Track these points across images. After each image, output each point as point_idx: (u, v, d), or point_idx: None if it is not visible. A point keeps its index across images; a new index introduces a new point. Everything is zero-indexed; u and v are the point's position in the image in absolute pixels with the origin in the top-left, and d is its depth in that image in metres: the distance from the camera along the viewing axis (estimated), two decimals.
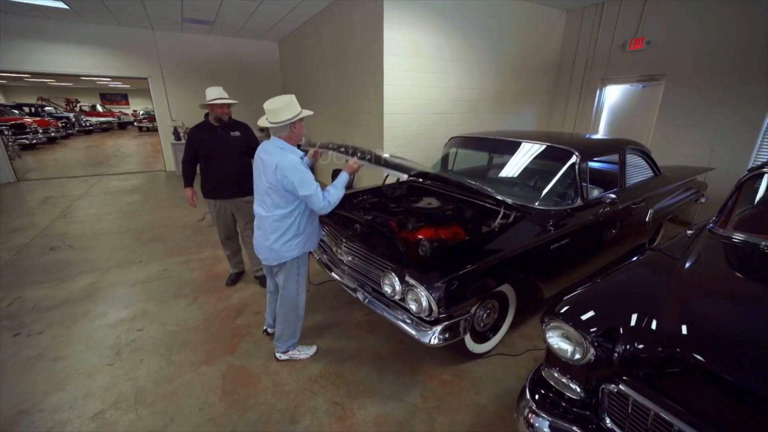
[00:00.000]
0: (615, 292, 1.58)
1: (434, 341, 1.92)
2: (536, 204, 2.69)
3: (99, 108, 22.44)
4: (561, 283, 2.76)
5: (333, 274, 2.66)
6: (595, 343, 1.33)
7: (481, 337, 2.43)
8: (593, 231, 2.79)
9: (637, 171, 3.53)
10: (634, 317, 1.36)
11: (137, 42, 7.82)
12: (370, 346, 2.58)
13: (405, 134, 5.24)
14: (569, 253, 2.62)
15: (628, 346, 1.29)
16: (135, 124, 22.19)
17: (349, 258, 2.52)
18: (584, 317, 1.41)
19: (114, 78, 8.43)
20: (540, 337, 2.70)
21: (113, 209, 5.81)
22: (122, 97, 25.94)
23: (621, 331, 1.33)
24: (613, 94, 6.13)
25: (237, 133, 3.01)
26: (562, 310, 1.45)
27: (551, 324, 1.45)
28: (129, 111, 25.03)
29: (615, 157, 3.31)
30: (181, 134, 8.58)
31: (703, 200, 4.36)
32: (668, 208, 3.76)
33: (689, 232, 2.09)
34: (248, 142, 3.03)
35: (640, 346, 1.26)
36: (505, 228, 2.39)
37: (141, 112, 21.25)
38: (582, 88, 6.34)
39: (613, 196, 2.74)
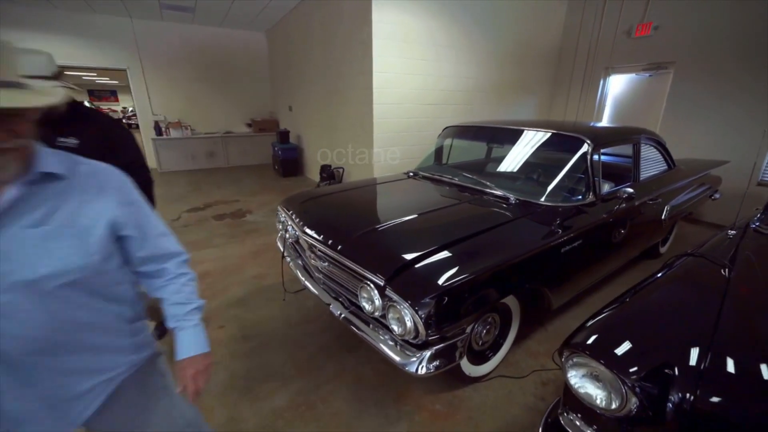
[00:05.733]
0: (655, 315, 1.21)
1: (422, 371, 1.55)
2: (543, 200, 2.33)
3: (86, 104, 21.80)
4: (571, 291, 2.40)
5: (306, 282, 2.28)
6: (638, 389, 0.96)
7: (479, 357, 2.06)
8: (607, 231, 2.42)
9: (651, 163, 3.18)
10: (694, 352, 0.99)
11: (114, 31, 7.36)
12: (350, 367, 2.20)
13: (396, 126, 4.86)
14: (581, 256, 2.26)
15: (689, 395, 0.92)
16: (124, 120, 21.63)
17: (323, 264, 2.14)
18: (620, 351, 1.04)
19: (88, 69, 7.93)
20: (548, 353, 2.35)
21: None
22: (111, 94, 25.31)
23: (676, 372, 0.96)
24: (617, 84, 5.78)
25: (72, 141, 1.63)
26: (589, 342, 1.08)
27: (574, 360, 1.08)
28: (118, 107, 24.43)
29: (625, 149, 2.96)
30: (163, 129, 8.14)
31: (717, 196, 4.02)
32: (684, 204, 3.41)
33: (731, 231, 1.73)
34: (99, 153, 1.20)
35: (710, 397, 0.90)
36: (507, 228, 2.02)
37: (130, 109, 20.68)
38: (584, 77, 5.98)
39: (630, 190, 2.37)
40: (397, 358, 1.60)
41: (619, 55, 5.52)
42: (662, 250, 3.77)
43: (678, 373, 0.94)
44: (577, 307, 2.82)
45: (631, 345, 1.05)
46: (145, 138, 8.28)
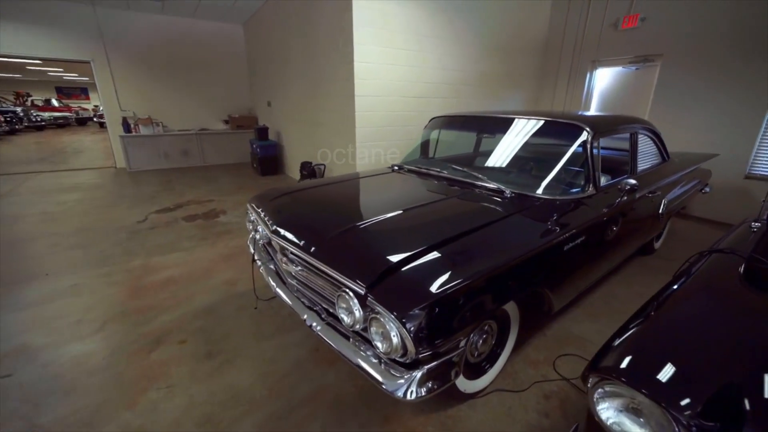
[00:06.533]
0: (696, 329, 0.99)
1: (411, 396, 1.30)
2: (540, 193, 2.12)
3: (54, 102, 20.69)
4: (572, 292, 2.21)
5: (278, 290, 2.00)
6: (695, 428, 0.73)
7: (474, 371, 1.83)
8: (609, 226, 2.23)
9: (646, 156, 3.03)
10: None
11: (75, 19, 6.84)
12: (329, 385, 1.93)
13: (379, 120, 4.60)
14: (583, 254, 2.06)
15: None
16: (95, 119, 20.62)
17: (296, 269, 1.86)
18: (663, 377, 0.81)
19: (45, 60, 7.36)
20: (548, 361, 2.13)
21: (38, 210, 4.90)
22: (81, 91, 24.15)
23: (747, 406, 0.73)
24: (604, 78, 5.68)
25: None
26: (623, 365, 0.85)
27: (606, 389, 0.85)
28: (89, 106, 23.30)
29: (621, 140, 2.78)
30: (132, 126, 7.64)
31: (707, 189, 3.93)
32: (679, 198, 3.28)
33: (756, 224, 1.54)
34: None
35: None
36: (504, 224, 1.79)
37: (102, 107, 19.71)
38: (571, 71, 5.86)
39: (633, 181, 2.19)
40: (382, 381, 1.34)
41: (605, 47, 5.42)
42: (656, 245, 3.65)
43: (750, 407, 0.72)
44: (575, 309, 2.63)
45: (675, 368, 0.83)
46: (113, 135, 7.77)
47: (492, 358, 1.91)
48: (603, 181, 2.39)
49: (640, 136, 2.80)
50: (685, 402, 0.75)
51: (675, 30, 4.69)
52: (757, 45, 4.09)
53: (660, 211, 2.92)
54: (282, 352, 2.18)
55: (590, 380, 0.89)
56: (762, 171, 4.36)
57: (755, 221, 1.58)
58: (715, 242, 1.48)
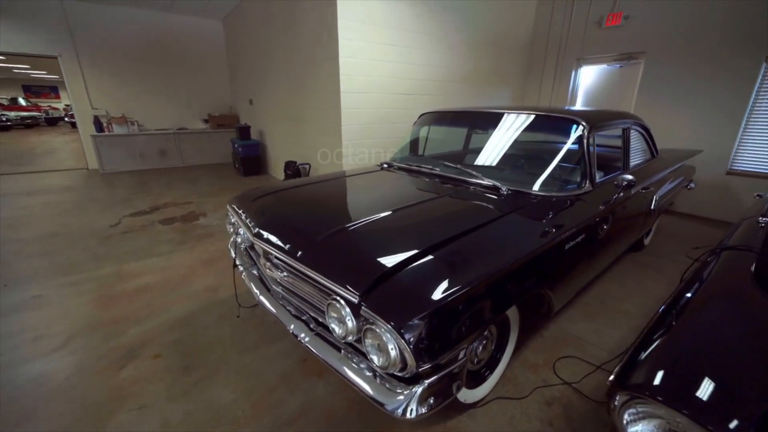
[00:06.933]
0: (725, 338, 0.89)
1: (411, 414, 1.18)
2: (537, 189, 2.04)
3: (21, 101, 19.68)
4: (571, 291, 2.13)
5: (262, 297, 1.85)
6: None
7: (474, 378, 1.72)
8: (606, 222, 2.17)
9: (637, 152, 3.00)
10: None
11: (40, 11, 6.43)
12: (319, 398, 1.79)
13: (366, 117, 4.47)
14: (583, 252, 1.99)
15: None
16: (66, 119, 19.70)
17: (281, 275, 1.71)
18: (704, 395, 0.71)
19: (7, 55, 6.92)
20: (548, 364, 2.05)
21: None
22: (51, 90, 23.05)
23: None
24: (588, 76, 5.71)
25: None
26: (657, 381, 0.75)
27: (639, 409, 0.75)
28: (60, 105, 22.26)
29: (612, 136, 2.74)
30: (105, 125, 7.26)
31: (692, 186, 3.97)
32: (669, 194, 3.28)
33: (763, 219, 1.48)
34: None
35: None
36: (502, 223, 1.69)
37: (72, 106, 18.84)
38: (556, 69, 5.87)
39: (631, 177, 2.13)
40: (379, 398, 1.22)
41: (590, 45, 5.44)
42: (646, 242, 3.65)
43: None
44: (570, 309, 2.57)
45: (714, 385, 0.73)
46: (84, 135, 7.36)
47: (491, 364, 1.81)
48: (597, 177, 2.34)
49: (631, 131, 2.77)
50: (733, 425, 0.66)
51: (657, 28, 4.73)
52: (738, 43, 4.16)
53: (652, 207, 2.90)
54: (267, 363, 2.03)
55: (617, 399, 0.79)
56: (743, 167, 4.45)
57: (762, 216, 1.53)
58: (723, 239, 1.41)
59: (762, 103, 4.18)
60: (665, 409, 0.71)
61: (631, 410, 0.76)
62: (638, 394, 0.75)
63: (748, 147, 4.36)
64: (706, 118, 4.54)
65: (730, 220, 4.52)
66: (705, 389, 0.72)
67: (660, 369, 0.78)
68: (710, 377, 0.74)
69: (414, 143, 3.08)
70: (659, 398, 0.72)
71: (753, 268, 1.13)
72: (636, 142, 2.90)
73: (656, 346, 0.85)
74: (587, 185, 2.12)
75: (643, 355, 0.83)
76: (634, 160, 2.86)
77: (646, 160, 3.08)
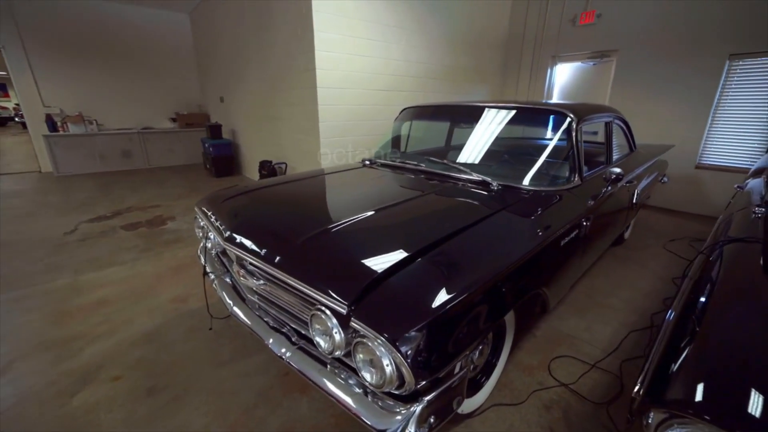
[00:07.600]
0: (757, 345, 0.81)
1: None
2: (527, 184, 1.96)
3: None
4: (564, 289, 2.07)
5: (236, 308, 1.66)
6: None
7: (470, 386, 1.61)
8: (597, 216, 2.13)
9: (618, 146, 3.01)
10: None
11: None
12: (303, 417, 1.63)
13: (343, 113, 4.31)
14: (576, 247, 1.93)
15: None
16: (17, 119, 18.29)
17: (257, 283, 1.54)
18: (755, 410, 0.62)
19: None
20: (543, 366, 1.97)
21: None
22: None
23: None
24: (563, 73, 5.79)
25: None
26: (698, 398, 0.65)
27: (681, 429, 0.65)
28: (9, 104, 20.64)
29: (596, 130, 2.73)
30: (59, 124, 6.71)
31: (665, 180, 4.06)
32: (647, 188, 3.32)
33: (759, 209, 1.46)
34: None
35: None
36: (495, 221, 1.59)
37: (20, 103, 17.49)
38: (532, 66, 5.92)
39: (619, 170, 2.10)
40: (372, 422, 1.08)
41: (564, 43, 5.51)
42: (626, 236, 3.70)
43: None
44: (560, 306, 2.52)
45: (763, 398, 0.64)
46: (35, 135, 6.78)
47: (487, 370, 1.71)
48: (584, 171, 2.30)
49: (613, 125, 2.77)
50: None
51: (629, 27, 4.84)
52: (703, 42, 4.30)
53: (634, 200, 2.91)
54: (244, 380, 1.84)
55: (651, 417, 0.69)
56: (710, 161, 4.61)
57: (758, 206, 1.50)
58: (721, 233, 1.37)
59: (726, 99, 4.35)
60: (715, 430, 0.62)
61: (671, 431, 0.67)
62: (680, 413, 0.65)
63: (715, 142, 4.53)
64: (676, 114, 4.68)
65: (702, 212, 4.70)
66: (754, 406, 0.63)
67: (698, 382, 0.69)
68: (756, 389, 0.66)
69: (396, 139, 2.96)
70: (706, 417, 0.63)
71: (762, 261, 1.08)
72: (617, 136, 2.90)
73: (687, 356, 0.76)
74: (576, 179, 2.07)
75: (675, 367, 0.74)
76: (616, 154, 2.86)
77: (626, 155, 3.10)
